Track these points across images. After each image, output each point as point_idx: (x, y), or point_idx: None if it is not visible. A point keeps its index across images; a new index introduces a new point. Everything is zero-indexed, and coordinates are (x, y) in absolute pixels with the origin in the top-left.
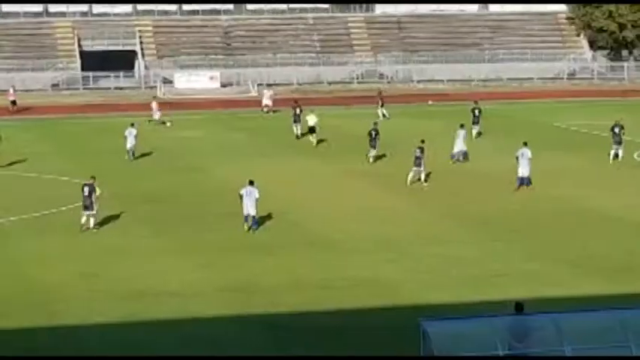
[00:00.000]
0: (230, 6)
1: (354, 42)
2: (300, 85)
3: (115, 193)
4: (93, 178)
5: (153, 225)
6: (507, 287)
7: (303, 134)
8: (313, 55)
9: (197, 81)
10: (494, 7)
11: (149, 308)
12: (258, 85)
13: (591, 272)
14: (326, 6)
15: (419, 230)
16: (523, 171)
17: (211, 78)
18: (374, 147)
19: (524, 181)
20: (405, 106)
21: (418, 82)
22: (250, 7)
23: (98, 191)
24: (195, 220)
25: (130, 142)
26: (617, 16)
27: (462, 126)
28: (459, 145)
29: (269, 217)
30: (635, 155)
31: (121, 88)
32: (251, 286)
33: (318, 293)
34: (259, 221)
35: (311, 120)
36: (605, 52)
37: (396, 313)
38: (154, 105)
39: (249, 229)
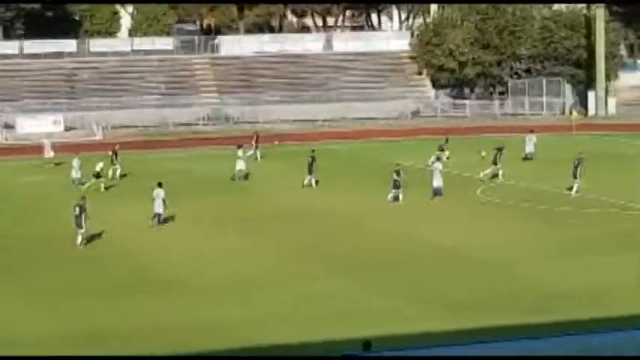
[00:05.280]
0: (74, 48)
1: (200, 83)
2: (145, 127)
3: None
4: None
5: None
6: (357, 324)
7: (121, 175)
8: (159, 96)
9: (40, 125)
10: (338, 47)
11: None
12: (103, 128)
13: (439, 309)
14: (171, 47)
15: (271, 270)
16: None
17: (55, 122)
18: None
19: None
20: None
21: (264, 122)
22: (94, 49)
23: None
24: (39, 265)
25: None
26: (458, 55)
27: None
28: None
29: (116, 259)
30: (478, 192)
31: None
32: (99, 332)
33: (175, 337)
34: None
35: (97, 166)
36: (448, 90)
37: (244, 353)
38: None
39: (155, 223)
